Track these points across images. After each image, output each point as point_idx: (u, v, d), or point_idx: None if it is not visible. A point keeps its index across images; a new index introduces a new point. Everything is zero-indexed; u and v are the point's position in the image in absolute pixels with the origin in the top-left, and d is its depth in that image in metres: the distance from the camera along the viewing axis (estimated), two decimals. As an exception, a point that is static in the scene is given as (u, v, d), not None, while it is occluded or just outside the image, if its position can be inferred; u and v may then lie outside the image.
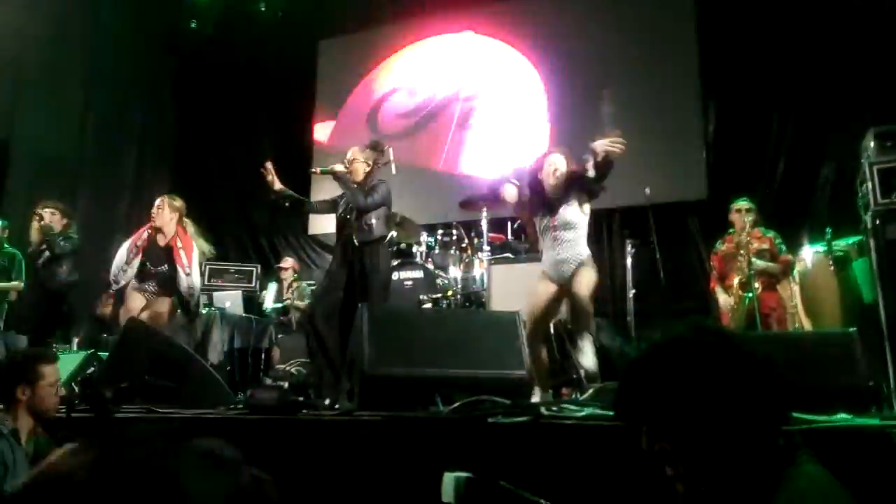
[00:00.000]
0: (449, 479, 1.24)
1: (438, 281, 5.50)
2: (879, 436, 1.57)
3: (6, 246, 5.16)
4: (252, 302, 6.47)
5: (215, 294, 6.27)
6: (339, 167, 4.17)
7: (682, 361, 1.01)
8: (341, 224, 4.18)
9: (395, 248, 5.28)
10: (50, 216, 4.98)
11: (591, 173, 3.66)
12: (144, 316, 4.21)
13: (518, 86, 7.20)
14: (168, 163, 8.62)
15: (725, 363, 1.00)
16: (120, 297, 4.78)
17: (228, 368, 5.62)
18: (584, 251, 3.67)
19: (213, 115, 8.47)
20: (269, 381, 3.61)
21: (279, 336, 5.25)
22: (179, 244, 4.38)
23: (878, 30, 5.42)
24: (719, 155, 6.02)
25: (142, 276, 4.38)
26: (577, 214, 3.70)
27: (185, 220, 4.55)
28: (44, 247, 4.92)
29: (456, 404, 2.53)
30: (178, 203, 4.59)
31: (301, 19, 8.16)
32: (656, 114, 6.38)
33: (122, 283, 4.38)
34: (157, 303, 4.35)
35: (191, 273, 4.32)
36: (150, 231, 4.47)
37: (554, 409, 2.36)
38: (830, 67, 5.65)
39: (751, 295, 4.26)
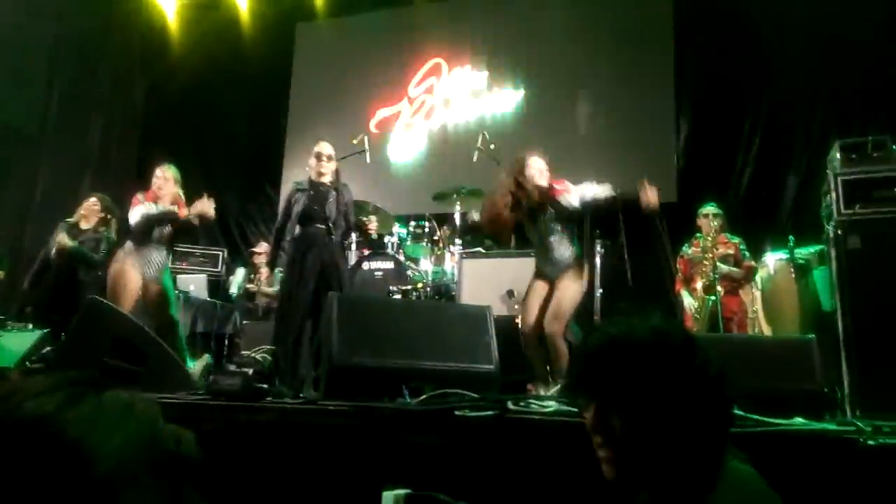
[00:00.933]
0: (387, 497, 1.24)
1: (409, 272, 5.49)
2: (834, 441, 1.62)
3: None
4: (217, 286, 6.36)
5: (179, 277, 6.14)
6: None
7: (648, 346, 1.03)
8: (309, 216, 4.13)
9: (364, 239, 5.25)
10: (91, 206, 4.98)
11: (575, 204, 3.68)
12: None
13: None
14: (136, 136, 8.40)
15: (686, 355, 1.03)
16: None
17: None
18: (570, 251, 3.70)
19: (185, 89, 8.27)
20: (232, 367, 3.54)
21: (244, 322, 5.17)
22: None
23: (846, 45, 5.56)
24: (690, 161, 6.14)
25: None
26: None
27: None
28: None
29: (423, 396, 2.53)
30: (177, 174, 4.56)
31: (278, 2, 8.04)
32: (630, 119, 6.46)
33: None
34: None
35: None
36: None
37: (521, 403, 2.37)
38: (800, 80, 5.79)
39: (714, 298, 4.36)
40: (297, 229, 4.15)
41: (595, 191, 3.77)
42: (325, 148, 4.26)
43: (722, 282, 4.49)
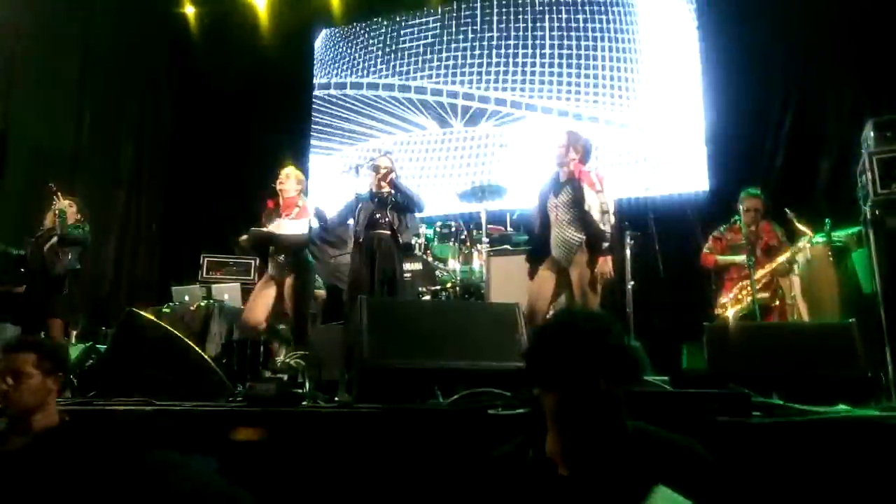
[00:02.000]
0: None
1: (437, 273, 5.50)
2: (877, 426, 1.57)
3: None
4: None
5: (213, 287, 6.26)
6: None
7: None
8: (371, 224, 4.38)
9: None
10: (67, 206, 5.15)
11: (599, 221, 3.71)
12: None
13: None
14: (165, 155, 8.59)
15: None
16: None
17: (225, 361, 5.61)
18: (580, 234, 3.69)
19: (211, 107, 8.43)
20: (268, 374, 3.60)
21: (280, 327, 5.23)
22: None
23: (877, 21, 5.39)
24: (719, 147, 6.00)
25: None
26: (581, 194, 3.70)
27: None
28: (53, 231, 5.04)
29: (455, 396, 2.53)
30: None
31: (299, 8, 8.12)
32: (658, 106, 6.38)
33: None
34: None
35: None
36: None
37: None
38: (830, 58, 5.63)
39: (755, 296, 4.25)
40: (362, 237, 4.36)
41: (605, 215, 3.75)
42: (383, 161, 4.57)
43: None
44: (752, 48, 5.91)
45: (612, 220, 3.80)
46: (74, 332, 5.75)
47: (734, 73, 5.99)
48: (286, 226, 4.38)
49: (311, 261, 4.58)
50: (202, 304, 5.87)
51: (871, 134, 3.49)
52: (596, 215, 3.71)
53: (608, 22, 6.80)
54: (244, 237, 4.50)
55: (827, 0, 5.65)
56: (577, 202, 3.73)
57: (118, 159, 8.00)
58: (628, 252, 4.97)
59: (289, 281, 4.35)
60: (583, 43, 6.88)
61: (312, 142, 8.08)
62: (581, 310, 3.07)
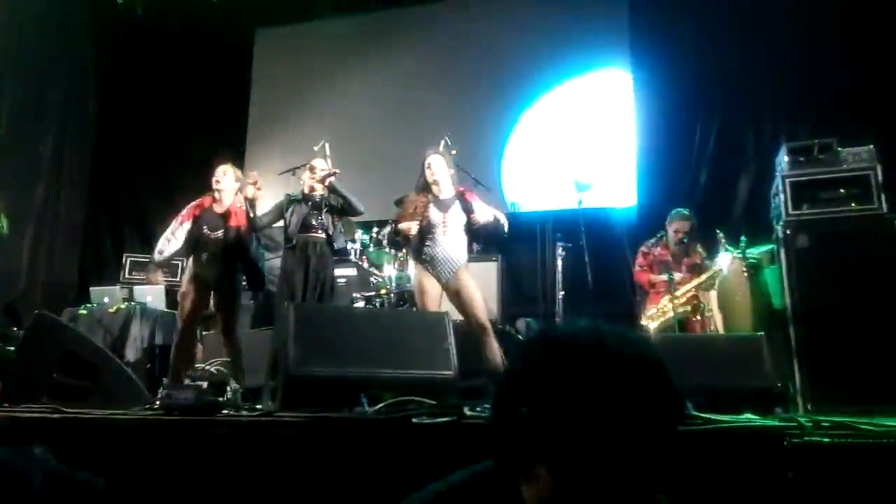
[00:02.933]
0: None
1: (372, 279, 5.47)
2: (776, 437, 1.66)
3: None
4: (176, 297, 6.23)
5: (136, 288, 6.01)
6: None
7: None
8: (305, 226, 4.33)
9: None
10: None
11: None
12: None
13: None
14: (88, 148, 8.19)
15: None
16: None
17: (149, 366, 5.40)
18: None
19: (139, 101, 8.10)
20: (188, 381, 3.48)
21: (203, 333, 5.07)
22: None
23: (795, 48, 5.74)
24: (648, 164, 6.24)
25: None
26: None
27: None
28: None
29: (381, 405, 2.52)
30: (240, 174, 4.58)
31: (238, 5, 7.93)
32: (590, 121, 6.56)
33: None
34: None
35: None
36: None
37: (478, 409, 2.38)
38: (750, 83, 5.96)
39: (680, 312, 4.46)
40: (294, 240, 4.26)
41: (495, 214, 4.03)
42: (319, 163, 4.53)
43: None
44: (681, 71, 6.18)
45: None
46: (-19, 334, 5.41)
47: (664, 95, 6.24)
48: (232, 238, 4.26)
49: (240, 265, 4.44)
50: (122, 305, 5.63)
51: (785, 158, 3.70)
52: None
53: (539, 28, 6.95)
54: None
55: (751, 29, 5.97)
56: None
57: (37, 149, 7.58)
58: (559, 263, 5.10)
59: (217, 287, 4.24)
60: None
61: (248, 142, 7.88)
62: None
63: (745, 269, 4.03)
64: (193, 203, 4.41)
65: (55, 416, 2.52)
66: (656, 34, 6.37)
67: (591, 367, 0.84)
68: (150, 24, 7.97)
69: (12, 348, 4.97)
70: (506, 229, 4.18)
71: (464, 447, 2.18)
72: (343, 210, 4.42)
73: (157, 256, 4.38)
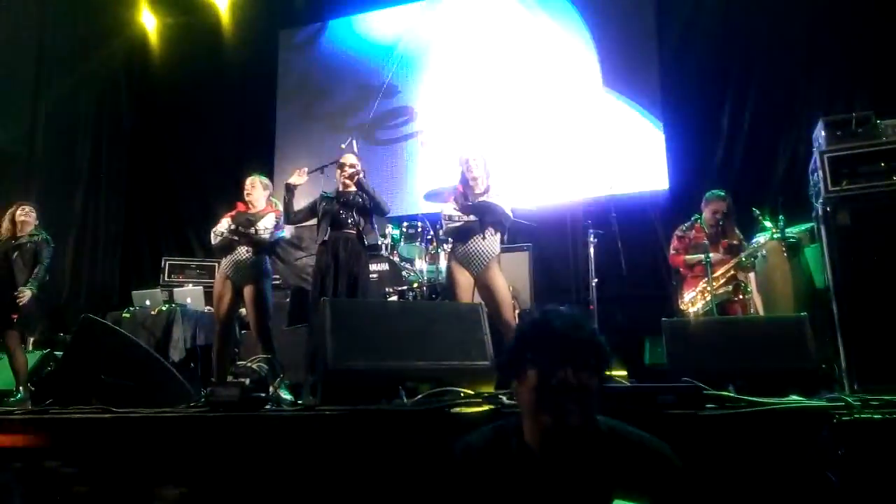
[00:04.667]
0: None
1: (404, 273, 5.50)
2: (823, 416, 1.63)
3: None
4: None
5: (175, 290, 6.15)
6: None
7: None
8: (336, 224, 4.35)
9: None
10: (27, 215, 5.07)
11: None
12: None
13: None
14: (124, 156, 8.41)
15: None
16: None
17: (192, 366, 5.53)
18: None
19: (171, 101, 8.27)
20: (230, 378, 3.54)
21: (242, 332, 5.17)
22: None
23: (829, 19, 5.57)
24: (679, 147, 6.13)
25: None
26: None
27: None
28: (16, 242, 4.96)
29: (419, 396, 2.54)
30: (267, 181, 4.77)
31: (261, 8, 8.03)
32: (618, 108, 6.47)
33: None
34: None
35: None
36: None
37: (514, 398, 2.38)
38: (784, 58, 5.80)
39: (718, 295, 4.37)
40: (327, 237, 4.31)
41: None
42: (348, 158, 4.52)
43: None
44: (710, 48, 6.05)
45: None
46: (31, 340, 5.60)
47: (692, 75, 6.12)
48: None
49: (269, 268, 4.55)
50: (164, 308, 5.77)
51: (822, 133, 3.60)
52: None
53: (567, 20, 6.88)
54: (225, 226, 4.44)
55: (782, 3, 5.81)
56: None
57: (75, 160, 7.80)
58: (592, 250, 5.06)
59: (249, 288, 4.33)
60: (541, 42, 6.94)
61: (276, 142, 7.99)
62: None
63: (784, 248, 3.93)
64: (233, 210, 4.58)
65: (106, 416, 2.60)
66: (688, 8, 6.23)
67: (531, 327, 1.52)
68: (176, 33, 8.13)
69: (59, 352, 5.17)
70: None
71: (517, 428, 2.19)
72: (371, 209, 4.45)
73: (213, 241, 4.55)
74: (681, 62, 6.22)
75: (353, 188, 4.45)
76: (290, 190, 4.43)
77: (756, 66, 5.94)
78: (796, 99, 5.70)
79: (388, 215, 4.83)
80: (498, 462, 1.45)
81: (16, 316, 4.81)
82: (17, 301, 4.77)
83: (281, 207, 4.53)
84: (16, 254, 4.91)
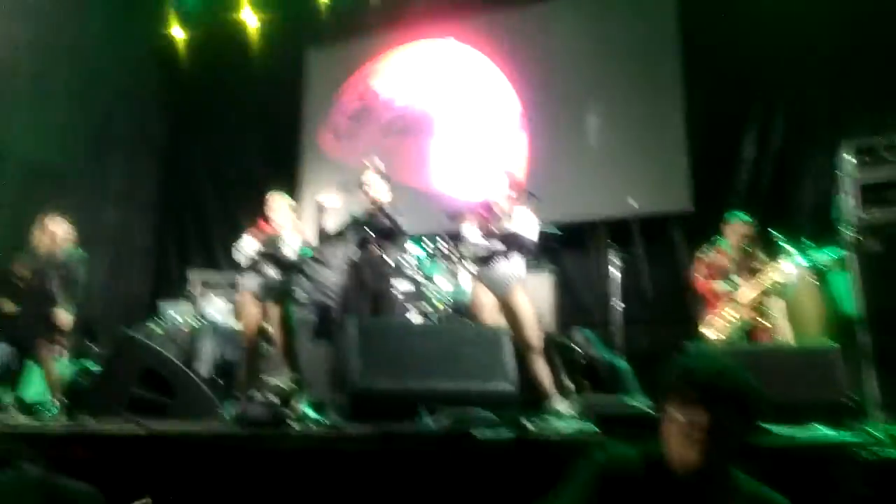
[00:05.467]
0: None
1: (428, 293, 5.52)
2: (850, 450, 1.62)
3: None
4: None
5: (203, 303, 6.25)
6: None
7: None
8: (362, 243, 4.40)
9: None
10: (61, 228, 5.05)
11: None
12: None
13: (496, 98, 7.27)
14: (156, 171, 8.62)
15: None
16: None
17: (221, 381, 5.60)
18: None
19: (202, 124, 8.47)
20: (256, 394, 3.62)
21: (269, 348, 5.24)
22: None
23: (852, 40, 5.53)
24: (704, 168, 6.10)
25: None
26: None
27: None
28: (52, 259, 4.96)
29: (443, 418, 2.57)
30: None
31: (287, 28, 8.21)
32: (640, 127, 6.46)
33: None
34: None
35: None
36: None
37: (535, 419, 2.40)
38: (811, 83, 5.75)
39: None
40: (353, 256, 4.37)
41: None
42: (369, 178, 4.55)
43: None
44: (735, 70, 6.03)
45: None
46: (65, 352, 5.72)
47: (718, 97, 6.10)
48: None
49: (295, 288, 4.65)
50: (193, 323, 5.87)
51: (849, 157, 3.57)
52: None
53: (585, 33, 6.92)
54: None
55: (806, 22, 5.78)
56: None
57: (109, 175, 8.01)
58: (616, 272, 5.05)
59: (275, 307, 4.42)
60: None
61: (302, 159, 8.13)
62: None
63: (813, 275, 3.89)
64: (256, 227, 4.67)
65: (141, 432, 2.66)
66: (713, 28, 6.23)
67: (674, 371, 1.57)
68: (206, 52, 8.36)
69: (90, 364, 5.27)
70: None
71: (525, 461, 2.20)
72: (390, 231, 4.47)
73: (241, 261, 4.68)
74: (709, 81, 6.19)
75: (379, 208, 4.49)
76: (321, 209, 4.49)
77: (784, 87, 5.90)
78: (821, 122, 5.64)
79: (413, 234, 4.88)
80: (641, 483, 1.49)
81: (60, 338, 4.88)
82: (57, 324, 4.83)
83: (305, 226, 4.62)
84: (53, 270, 4.92)
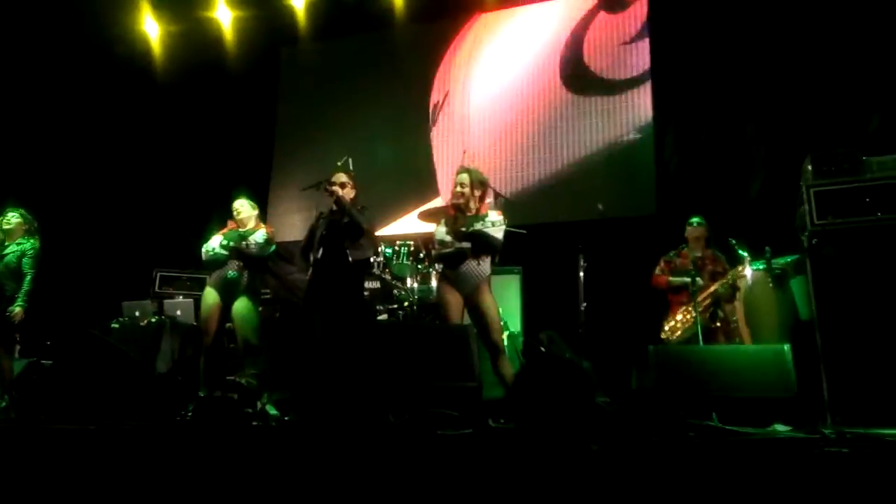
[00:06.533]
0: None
1: (395, 292, 5.51)
2: (802, 444, 1.66)
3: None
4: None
5: (166, 302, 6.14)
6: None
7: None
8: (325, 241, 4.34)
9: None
10: (10, 223, 5.00)
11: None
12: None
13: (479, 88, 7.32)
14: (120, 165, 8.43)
15: None
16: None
17: (179, 378, 5.50)
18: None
19: (170, 117, 8.31)
20: (218, 393, 3.55)
21: (231, 345, 5.17)
22: None
23: (814, 53, 5.70)
24: (668, 173, 6.22)
25: None
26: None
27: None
28: (7, 251, 4.90)
29: (406, 416, 2.56)
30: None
31: (263, 24, 8.11)
32: (609, 134, 6.57)
33: None
34: None
35: None
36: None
37: (501, 420, 2.41)
38: (772, 91, 5.91)
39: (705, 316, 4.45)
40: (318, 254, 4.31)
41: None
42: (337, 177, 4.51)
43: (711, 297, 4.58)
44: (702, 77, 6.16)
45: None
46: (18, 348, 5.56)
47: (683, 105, 6.23)
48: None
49: (258, 284, 4.65)
50: (153, 319, 5.76)
51: (810, 167, 3.67)
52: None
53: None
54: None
55: (768, 39, 5.94)
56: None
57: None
58: (581, 274, 5.10)
59: (237, 303, 4.36)
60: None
61: (274, 158, 8.04)
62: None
63: (770, 280, 4.00)
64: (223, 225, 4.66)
65: (90, 427, 2.60)
66: (678, 37, 6.36)
67: None
68: (179, 43, 8.20)
69: (46, 361, 5.12)
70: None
71: (486, 456, 2.21)
72: (357, 229, 4.42)
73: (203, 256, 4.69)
74: (675, 91, 6.32)
75: (345, 206, 4.46)
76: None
77: (749, 93, 6.05)
78: (784, 129, 5.79)
79: (380, 233, 4.86)
80: None
81: (17, 334, 4.79)
82: (12, 320, 4.73)
83: (271, 225, 4.59)
84: (1, 265, 4.84)
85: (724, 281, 4.51)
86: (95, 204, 8.05)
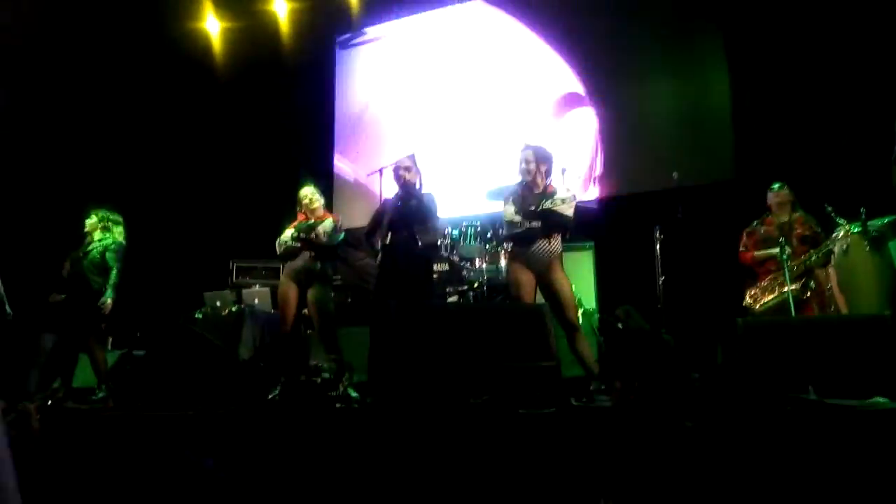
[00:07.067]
0: None
1: (464, 273, 5.50)
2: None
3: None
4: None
5: (244, 291, 6.35)
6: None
7: None
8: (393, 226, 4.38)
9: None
10: (90, 223, 5.26)
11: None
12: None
13: (534, 68, 7.15)
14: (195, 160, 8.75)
15: None
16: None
17: (262, 365, 5.69)
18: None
19: (236, 114, 8.54)
20: (302, 378, 3.64)
21: (308, 331, 5.30)
22: None
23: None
24: (748, 137, 5.88)
25: None
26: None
27: None
28: (85, 249, 5.15)
29: (486, 397, 2.55)
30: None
31: (318, 14, 8.19)
32: (682, 97, 6.29)
33: None
34: None
35: None
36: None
37: (584, 399, 2.36)
38: (859, 47, 5.47)
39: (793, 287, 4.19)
40: (387, 240, 4.36)
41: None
42: (403, 161, 4.50)
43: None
44: (778, 38, 5.78)
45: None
46: (110, 339, 5.89)
47: (761, 65, 5.87)
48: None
49: (331, 272, 4.71)
50: (233, 308, 5.97)
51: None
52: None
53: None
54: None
55: None
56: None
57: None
58: (658, 247, 4.93)
59: (312, 291, 4.46)
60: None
61: (336, 147, 8.16)
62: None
63: (867, 243, 3.72)
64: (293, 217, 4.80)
65: (189, 413, 2.72)
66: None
67: None
68: (238, 38, 8.40)
69: (135, 350, 5.40)
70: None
71: (569, 436, 2.17)
72: (425, 212, 4.41)
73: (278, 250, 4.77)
74: (751, 51, 5.95)
75: (412, 191, 4.46)
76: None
77: (831, 53, 5.63)
78: (876, 85, 5.36)
79: (450, 217, 4.84)
80: None
81: (104, 325, 5.06)
82: (102, 312, 5.00)
83: (339, 213, 4.65)
84: (86, 261, 5.10)
85: (819, 249, 4.20)
86: (174, 199, 8.39)
